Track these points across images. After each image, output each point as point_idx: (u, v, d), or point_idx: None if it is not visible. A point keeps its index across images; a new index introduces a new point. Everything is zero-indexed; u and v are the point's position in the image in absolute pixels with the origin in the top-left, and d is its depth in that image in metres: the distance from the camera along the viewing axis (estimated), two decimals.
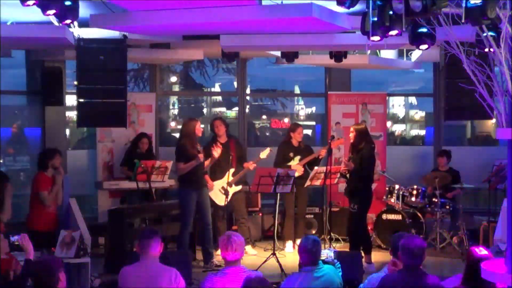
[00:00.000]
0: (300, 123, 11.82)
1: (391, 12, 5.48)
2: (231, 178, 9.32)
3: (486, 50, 4.49)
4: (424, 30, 6.02)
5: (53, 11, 5.90)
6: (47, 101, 10.03)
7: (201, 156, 8.47)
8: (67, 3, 5.96)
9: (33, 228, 7.86)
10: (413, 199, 10.04)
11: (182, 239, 8.57)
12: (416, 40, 6.21)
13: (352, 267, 6.97)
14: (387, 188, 10.29)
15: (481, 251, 4.90)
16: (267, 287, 4.48)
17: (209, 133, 13.93)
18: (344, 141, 9.82)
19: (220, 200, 9.29)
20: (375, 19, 5.58)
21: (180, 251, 8.44)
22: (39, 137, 10.31)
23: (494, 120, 4.55)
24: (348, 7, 5.64)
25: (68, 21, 6.15)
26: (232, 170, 9.36)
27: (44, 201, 8.00)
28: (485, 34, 4.55)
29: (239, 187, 9.55)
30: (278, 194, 9.46)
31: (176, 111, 13.91)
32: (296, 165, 9.62)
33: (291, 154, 9.75)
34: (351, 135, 8.71)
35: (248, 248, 9.22)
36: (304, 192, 9.86)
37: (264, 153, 9.35)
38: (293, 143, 9.76)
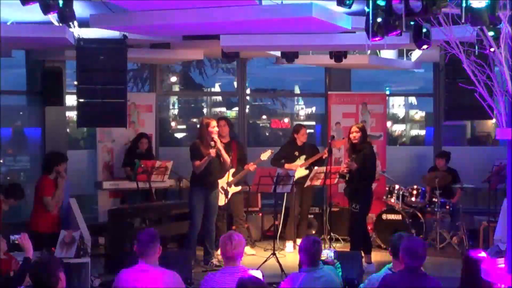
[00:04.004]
0: (300, 123, 11.83)
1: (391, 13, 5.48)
2: (231, 179, 9.32)
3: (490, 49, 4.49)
4: (425, 30, 6.03)
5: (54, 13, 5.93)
6: (47, 101, 10.03)
7: (212, 151, 8.45)
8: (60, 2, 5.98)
9: (36, 229, 7.85)
10: (413, 199, 10.04)
11: (189, 238, 8.58)
12: (419, 41, 6.22)
13: (352, 267, 6.97)
14: (387, 188, 10.29)
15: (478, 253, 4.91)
16: (260, 287, 4.45)
17: None
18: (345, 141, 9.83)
19: (220, 200, 9.29)
20: (376, 19, 5.58)
21: (180, 251, 8.44)
22: (39, 137, 10.31)
23: (494, 120, 4.54)
24: (350, 7, 5.65)
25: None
26: (232, 171, 9.36)
27: (48, 206, 8.01)
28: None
29: (239, 188, 9.54)
30: (285, 194, 9.48)
31: (176, 111, 13.91)
32: (299, 166, 9.63)
33: (296, 153, 9.77)
34: (356, 135, 8.64)
35: (247, 248, 9.22)
36: (310, 192, 9.88)
37: (265, 155, 9.34)
38: (297, 143, 9.79)
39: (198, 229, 8.64)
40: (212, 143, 8.50)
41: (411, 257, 4.73)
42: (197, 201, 8.59)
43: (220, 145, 8.60)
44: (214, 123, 8.67)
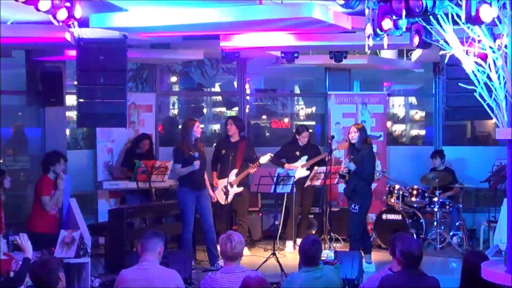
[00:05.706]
0: (300, 123, 11.82)
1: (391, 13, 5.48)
2: (233, 179, 9.33)
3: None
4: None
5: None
6: (47, 101, 10.03)
7: (197, 163, 8.50)
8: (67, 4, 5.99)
9: (34, 230, 7.83)
10: (413, 199, 10.04)
11: (184, 239, 8.58)
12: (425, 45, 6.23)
13: (352, 267, 6.98)
14: (387, 188, 10.29)
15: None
16: (266, 287, 4.47)
17: (209, 133, 13.99)
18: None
19: (220, 199, 9.31)
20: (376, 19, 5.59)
21: (180, 251, 8.44)
22: (39, 137, 10.30)
23: (494, 120, 4.55)
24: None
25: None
26: (235, 171, 9.37)
27: (45, 206, 8.00)
28: None
29: (240, 189, 9.53)
30: (285, 194, 9.48)
31: (176, 111, 13.91)
32: (299, 166, 9.63)
33: (297, 153, 9.78)
34: (354, 135, 8.64)
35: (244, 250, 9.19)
36: (310, 192, 9.89)
37: (264, 158, 9.35)
38: (299, 143, 9.81)
39: (191, 229, 8.64)
40: (199, 148, 8.57)
41: (407, 259, 4.75)
42: (187, 202, 8.60)
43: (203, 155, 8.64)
44: (198, 123, 8.71)
